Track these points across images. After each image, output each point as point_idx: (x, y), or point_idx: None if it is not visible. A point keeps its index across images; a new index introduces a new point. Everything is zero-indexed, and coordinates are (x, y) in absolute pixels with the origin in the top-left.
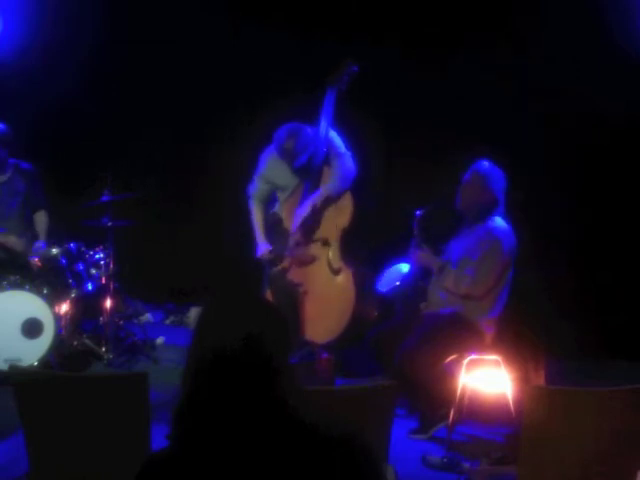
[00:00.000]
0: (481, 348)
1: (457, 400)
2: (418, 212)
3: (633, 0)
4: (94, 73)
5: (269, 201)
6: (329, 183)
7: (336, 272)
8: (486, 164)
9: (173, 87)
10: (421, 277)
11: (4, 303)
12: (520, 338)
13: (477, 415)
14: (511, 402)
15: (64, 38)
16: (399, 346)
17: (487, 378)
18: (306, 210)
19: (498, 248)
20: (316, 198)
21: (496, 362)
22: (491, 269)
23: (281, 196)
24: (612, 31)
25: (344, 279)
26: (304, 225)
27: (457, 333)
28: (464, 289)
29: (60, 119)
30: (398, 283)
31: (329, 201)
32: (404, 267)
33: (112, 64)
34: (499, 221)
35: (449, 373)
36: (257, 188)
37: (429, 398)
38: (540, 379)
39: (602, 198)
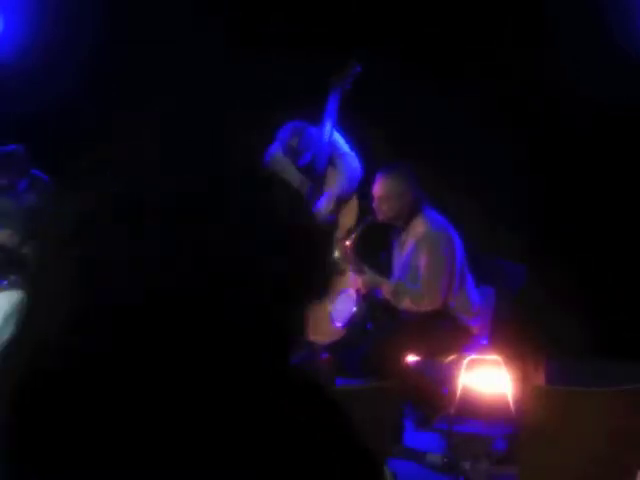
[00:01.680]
0: (469, 343)
1: (457, 400)
2: (348, 241)
3: (633, 0)
4: (94, 73)
5: None
6: (336, 185)
7: (341, 273)
8: (391, 167)
9: (174, 87)
10: (375, 296)
11: (4, 304)
12: (520, 338)
13: (477, 415)
14: (511, 402)
15: (64, 38)
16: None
17: (487, 378)
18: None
19: (436, 251)
20: (326, 202)
21: (496, 362)
22: (438, 276)
23: None
24: (612, 31)
25: (349, 280)
26: None
27: (441, 331)
28: (423, 307)
29: (60, 119)
30: (354, 309)
31: (338, 203)
32: (352, 295)
33: (112, 64)
34: (430, 217)
35: (448, 373)
36: None
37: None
38: (540, 379)
39: (602, 198)
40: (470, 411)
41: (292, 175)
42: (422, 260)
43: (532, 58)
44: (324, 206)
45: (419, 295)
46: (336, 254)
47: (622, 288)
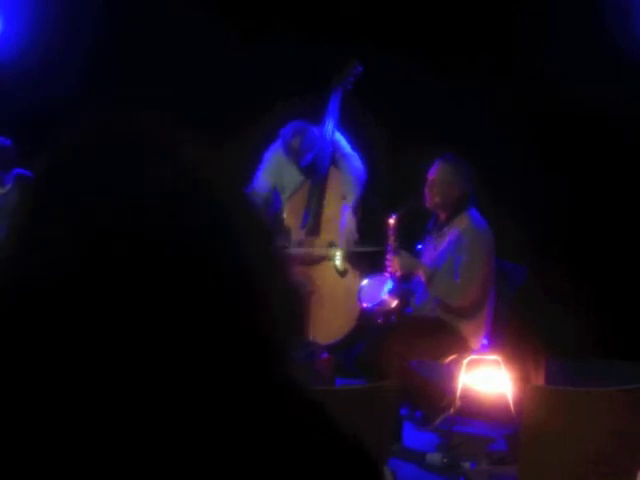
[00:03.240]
0: (465, 354)
1: (457, 400)
2: (391, 218)
3: (633, 0)
4: (94, 73)
5: (269, 199)
6: (351, 194)
7: (342, 274)
8: (451, 156)
9: (175, 87)
10: (407, 283)
11: None
12: (520, 338)
13: (477, 415)
14: (511, 402)
15: (64, 38)
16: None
17: (487, 378)
18: (346, 228)
19: (478, 250)
20: (349, 215)
21: (496, 362)
22: (476, 275)
23: (284, 194)
24: (612, 31)
25: (351, 281)
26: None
27: (438, 338)
28: (456, 301)
29: (60, 119)
30: (385, 296)
31: (355, 212)
32: (386, 278)
33: (112, 64)
34: (474, 216)
35: (448, 373)
36: (259, 184)
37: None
38: (540, 379)
39: (602, 198)
40: (470, 411)
41: (293, 175)
42: (465, 254)
43: (534, 58)
44: (348, 220)
45: (456, 289)
46: (337, 259)
47: (622, 288)
